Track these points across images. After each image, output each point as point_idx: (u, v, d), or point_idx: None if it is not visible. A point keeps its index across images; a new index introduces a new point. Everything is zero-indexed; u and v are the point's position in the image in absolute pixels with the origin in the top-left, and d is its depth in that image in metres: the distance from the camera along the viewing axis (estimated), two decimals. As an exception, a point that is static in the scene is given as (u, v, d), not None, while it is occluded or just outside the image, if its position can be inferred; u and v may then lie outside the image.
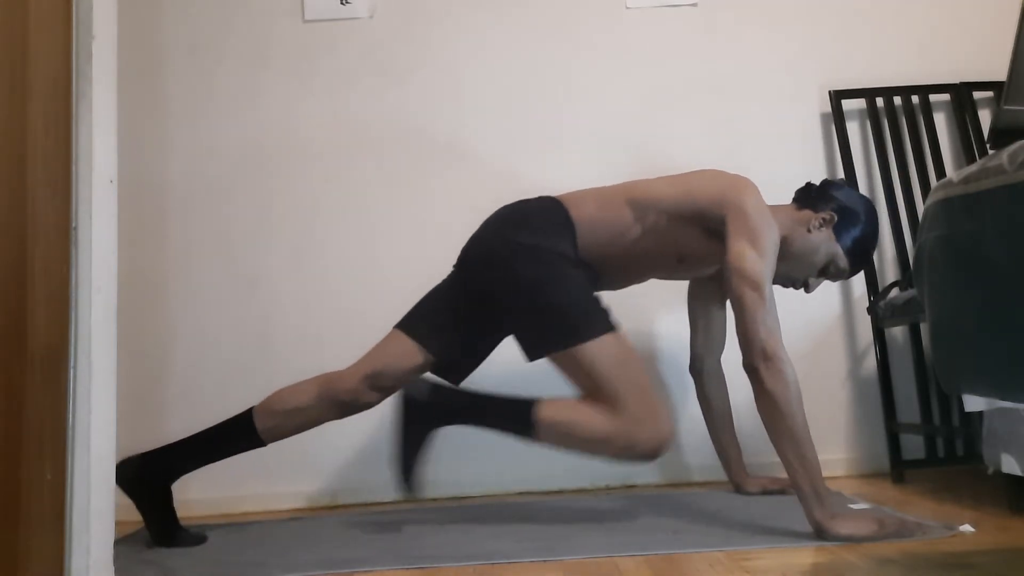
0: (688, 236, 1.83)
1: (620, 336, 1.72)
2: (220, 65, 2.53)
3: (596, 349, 1.68)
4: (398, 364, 1.87)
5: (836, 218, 1.86)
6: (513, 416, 1.72)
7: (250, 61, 2.53)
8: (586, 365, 1.68)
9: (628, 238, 1.83)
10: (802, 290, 1.94)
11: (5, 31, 1.25)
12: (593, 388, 1.69)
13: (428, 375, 1.89)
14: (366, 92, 2.53)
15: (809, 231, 1.86)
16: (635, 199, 1.84)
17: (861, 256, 1.90)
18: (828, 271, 1.90)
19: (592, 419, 1.67)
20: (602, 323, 1.72)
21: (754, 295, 1.64)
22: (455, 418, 1.74)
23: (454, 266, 1.93)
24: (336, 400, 1.86)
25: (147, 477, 1.80)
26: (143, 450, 1.83)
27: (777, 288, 1.82)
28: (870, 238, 1.89)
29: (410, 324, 1.91)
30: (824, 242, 1.87)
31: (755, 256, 1.67)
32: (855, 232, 1.86)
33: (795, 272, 1.90)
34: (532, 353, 1.76)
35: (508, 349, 1.88)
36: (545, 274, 1.75)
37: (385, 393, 1.88)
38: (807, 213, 1.88)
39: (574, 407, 1.70)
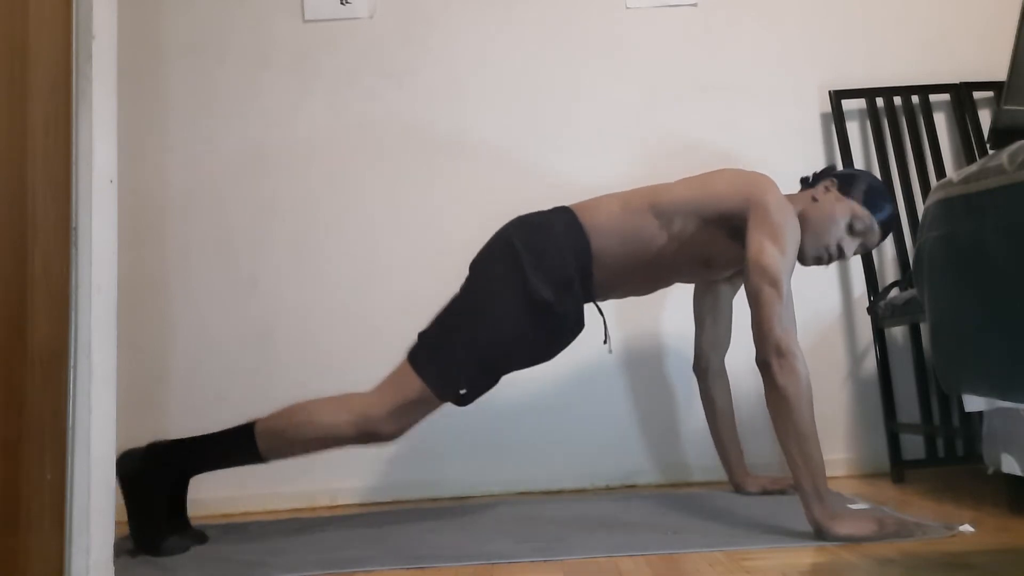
0: (714, 240, 1.83)
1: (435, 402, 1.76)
2: (220, 65, 2.53)
3: (414, 382, 1.73)
4: (419, 397, 1.78)
5: (837, 182, 1.88)
6: (234, 444, 1.74)
7: (250, 61, 2.53)
8: (399, 379, 1.74)
9: (655, 246, 1.83)
10: (838, 260, 1.90)
11: (5, 31, 1.25)
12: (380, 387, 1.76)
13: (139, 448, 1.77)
14: (366, 92, 2.53)
15: (815, 199, 1.87)
16: (658, 205, 1.83)
17: (878, 204, 1.86)
18: (854, 228, 1.86)
19: (317, 413, 1.72)
20: (454, 389, 1.75)
21: (771, 291, 1.64)
22: (186, 470, 1.75)
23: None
24: (373, 433, 1.77)
25: (150, 470, 1.72)
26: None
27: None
28: (878, 187, 1.88)
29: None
30: (834, 202, 1.86)
31: (775, 252, 1.68)
32: (861, 186, 1.87)
33: (823, 238, 1.86)
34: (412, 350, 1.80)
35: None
36: (492, 310, 1.76)
37: (409, 427, 1.80)
38: (810, 191, 1.91)
39: (290, 412, 1.74)
